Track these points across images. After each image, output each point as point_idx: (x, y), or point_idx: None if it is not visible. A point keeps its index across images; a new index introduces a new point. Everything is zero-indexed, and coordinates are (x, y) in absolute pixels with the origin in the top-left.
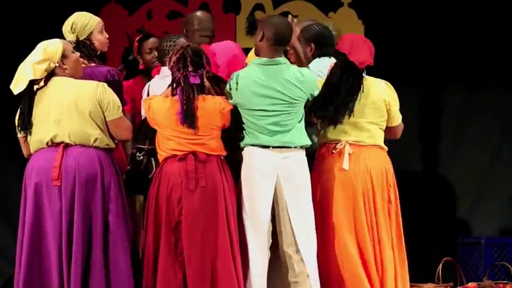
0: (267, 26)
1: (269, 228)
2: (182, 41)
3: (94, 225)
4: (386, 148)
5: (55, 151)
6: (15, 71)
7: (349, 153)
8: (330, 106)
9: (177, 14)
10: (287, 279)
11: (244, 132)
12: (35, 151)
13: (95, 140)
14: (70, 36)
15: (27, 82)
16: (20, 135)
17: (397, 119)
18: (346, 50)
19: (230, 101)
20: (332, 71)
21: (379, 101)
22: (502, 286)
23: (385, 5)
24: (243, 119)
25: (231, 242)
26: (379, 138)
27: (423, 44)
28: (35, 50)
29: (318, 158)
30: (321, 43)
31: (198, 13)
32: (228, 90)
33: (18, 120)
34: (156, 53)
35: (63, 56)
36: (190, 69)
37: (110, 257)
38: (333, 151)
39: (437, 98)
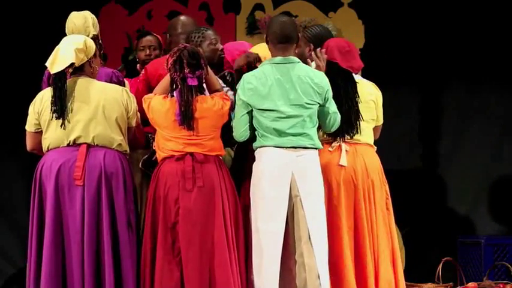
0: (268, 27)
1: (283, 229)
2: (211, 33)
3: (119, 223)
4: (375, 147)
5: (75, 151)
6: (15, 71)
7: (346, 150)
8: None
9: (177, 14)
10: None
11: (256, 133)
12: (50, 149)
13: (118, 145)
14: (93, 31)
15: (67, 64)
16: (31, 129)
17: (381, 119)
18: (337, 58)
19: (242, 98)
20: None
21: (370, 101)
22: (502, 286)
23: (385, 5)
24: (254, 120)
25: (228, 241)
26: (371, 137)
27: (423, 44)
28: (71, 37)
29: None
30: (320, 44)
31: (182, 17)
32: (240, 90)
33: (53, 105)
34: (148, 51)
35: (94, 55)
36: (187, 70)
37: (122, 256)
38: (329, 149)
39: (437, 98)
